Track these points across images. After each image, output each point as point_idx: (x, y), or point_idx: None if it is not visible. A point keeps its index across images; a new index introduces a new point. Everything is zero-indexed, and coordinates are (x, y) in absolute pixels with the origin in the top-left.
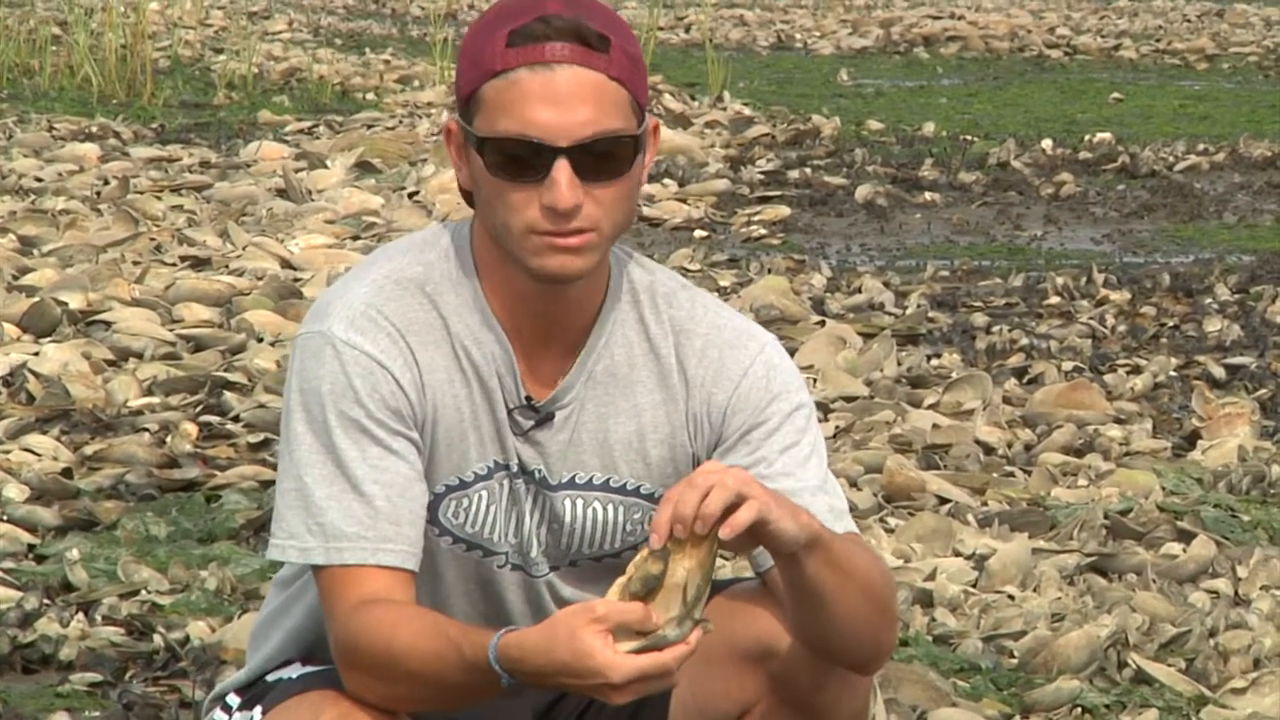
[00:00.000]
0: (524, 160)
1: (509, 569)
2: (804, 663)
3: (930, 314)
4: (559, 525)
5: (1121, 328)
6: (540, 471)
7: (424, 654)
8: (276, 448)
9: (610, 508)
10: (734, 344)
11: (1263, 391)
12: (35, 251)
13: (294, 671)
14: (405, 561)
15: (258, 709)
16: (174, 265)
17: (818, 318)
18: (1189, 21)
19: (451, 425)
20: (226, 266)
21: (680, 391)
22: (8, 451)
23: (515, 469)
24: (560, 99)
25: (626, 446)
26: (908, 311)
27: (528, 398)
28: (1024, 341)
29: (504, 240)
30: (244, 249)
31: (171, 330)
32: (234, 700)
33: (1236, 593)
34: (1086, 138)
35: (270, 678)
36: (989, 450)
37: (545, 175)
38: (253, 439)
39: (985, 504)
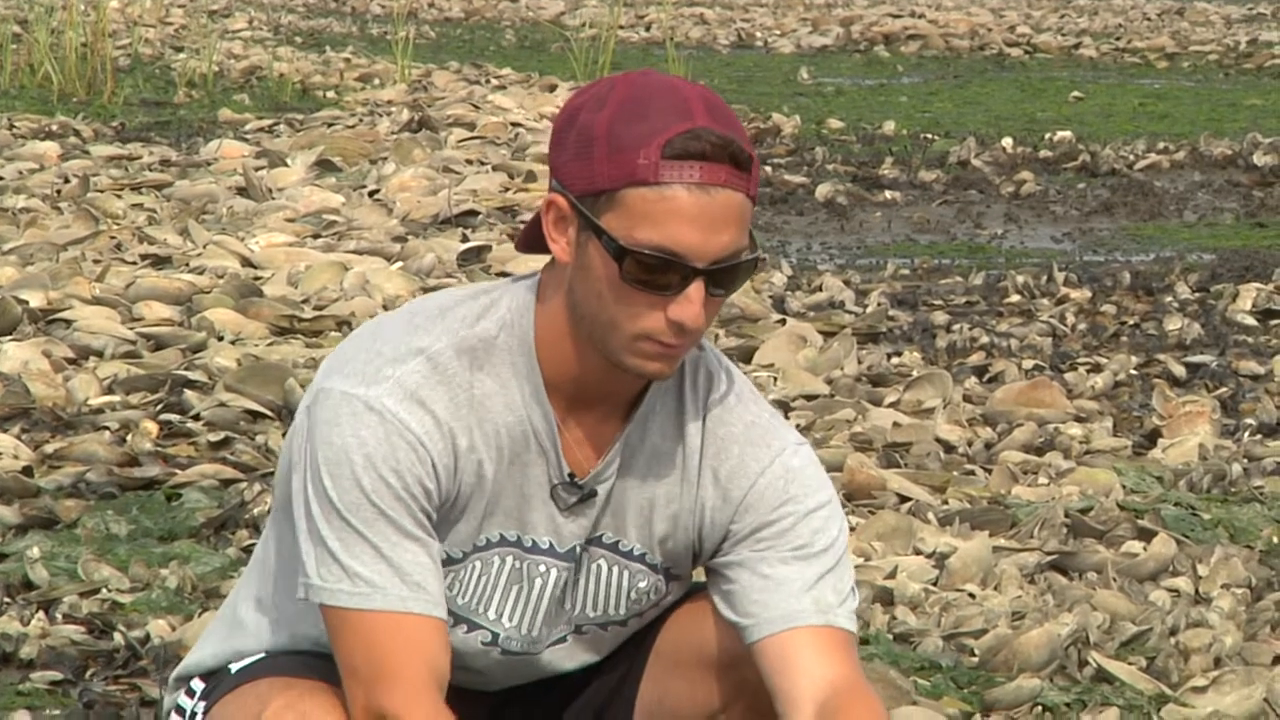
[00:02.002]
0: (662, 275)
1: (498, 652)
2: None
3: (891, 312)
4: (572, 585)
5: (1082, 326)
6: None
7: None
8: (237, 445)
9: (616, 569)
10: (757, 442)
11: (1223, 390)
12: None
13: (240, 663)
14: (434, 610)
15: (201, 707)
16: (134, 263)
17: (778, 316)
18: (1149, 20)
19: (475, 500)
20: (187, 265)
21: (694, 478)
22: None
23: (533, 545)
24: (712, 221)
25: (638, 513)
26: (868, 310)
27: (570, 475)
28: (984, 340)
29: (602, 333)
30: (204, 247)
31: (132, 328)
32: (198, 686)
33: (1197, 591)
34: (1047, 136)
35: (231, 667)
36: (949, 448)
37: (679, 291)
38: (213, 437)
39: (946, 502)
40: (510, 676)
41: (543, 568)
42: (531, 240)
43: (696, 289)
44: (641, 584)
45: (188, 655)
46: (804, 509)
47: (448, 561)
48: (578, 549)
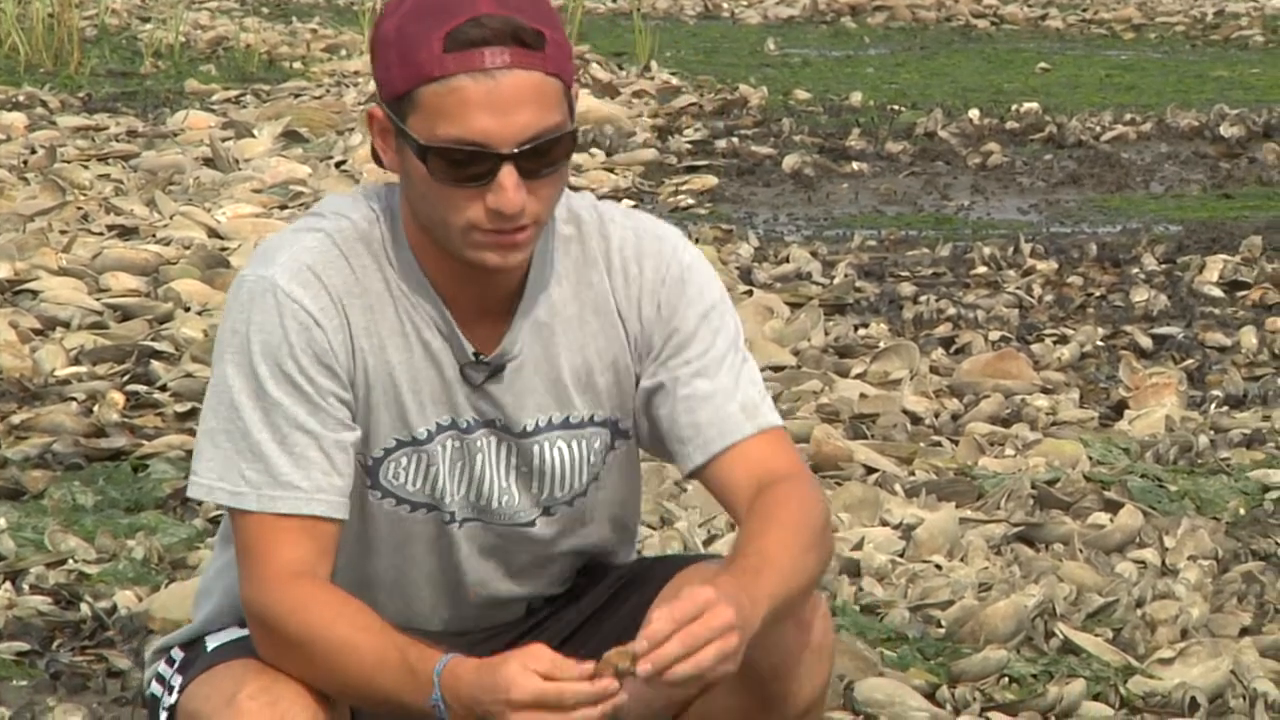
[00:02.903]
0: (468, 166)
1: (457, 525)
2: (764, 647)
3: (857, 284)
4: (529, 471)
5: (1048, 297)
6: (500, 420)
7: (363, 652)
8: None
9: (575, 443)
10: (648, 252)
11: (1189, 361)
12: None
13: (216, 641)
14: (336, 511)
15: (179, 679)
16: (101, 234)
17: (745, 287)
18: None
19: (388, 388)
20: (154, 235)
21: (616, 319)
22: None
23: (470, 425)
24: (503, 104)
25: (576, 380)
26: (835, 281)
27: (476, 354)
28: (951, 311)
29: (439, 233)
30: (171, 218)
31: (99, 299)
32: (177, 655)
33: (1164, 563)
34: (1013, 107)
35: (207, 640)
36: (916, 420)
37: (490, 180)
38: (180, 408)
39: (912, 474)
40: (485, 570)
41: (480, 442)
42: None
43: (507, 174)
44: (596, 444)
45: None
46: (703, 309)
47: (396, 448)
48: (502, 417)
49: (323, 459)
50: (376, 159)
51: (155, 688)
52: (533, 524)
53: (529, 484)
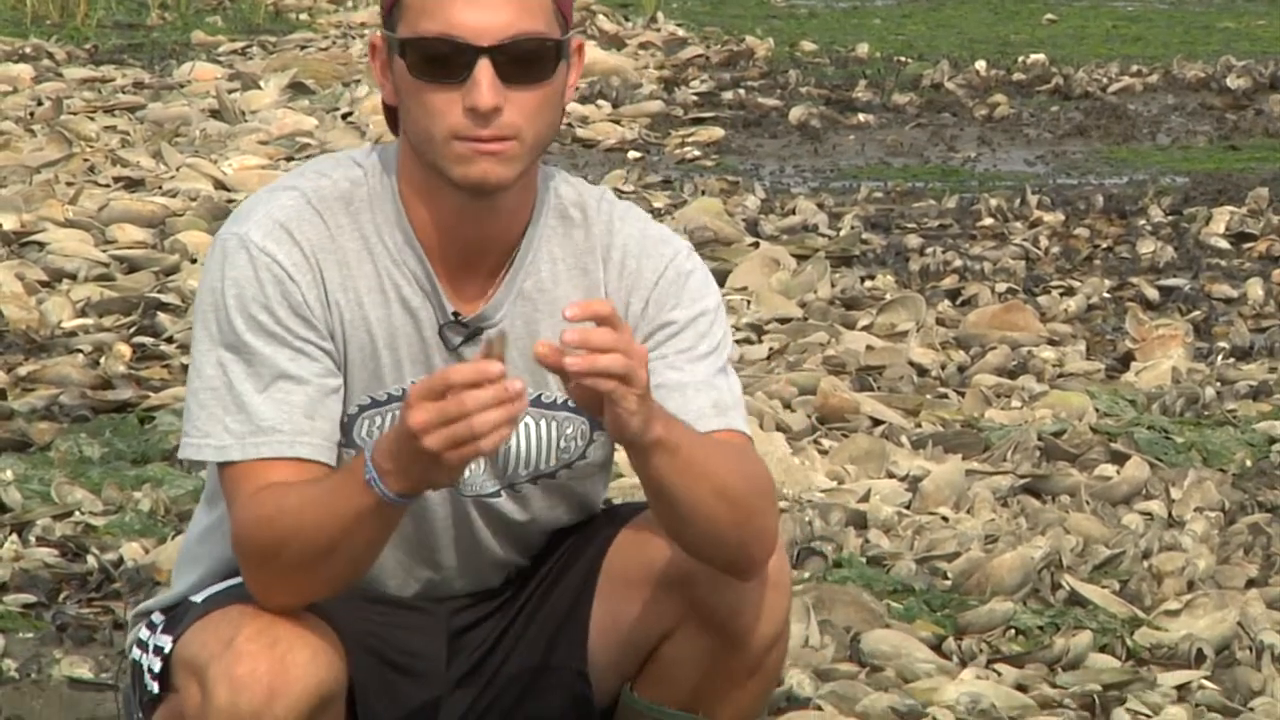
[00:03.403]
0: (445, 60)
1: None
2: (720, 587)
3: (864, 236)
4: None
5: (1055, 249)
6: None
7: (309, 499)
8: None
9: (543, 423)
10: (650, 253)
11: (1196, 313)
12: None
13: (205, 593)
14: (321, 454)
15: (168, 639)
16: (107, 186)
17: (751, 239)
18: None
19: (364, 344)
20: (160, 187)
21: None
22: None
23: None
24: (487, 2)
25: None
26: (841, 233)
27: (455, 314)
28: (957, 263)
29: (427, 150)
30: (177, 170)
31: (105, 251)
32: (158, 619)
33: (1170, 514)
34: (1020, 59)
35: (191, 597)
36: (922, 372)
37: (467, 76)
38: (186, 360)
39: (919, 425)
40: (448, 530)
41: None
42: (391, 113)
43: (482, 70)
44: (569, 430)
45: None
46: (692, 313)
47: (371, 406)
48: None
49: (306, 402)
50: (389, 113)
51: (136, 652)
52: (498, 496)
53: (494, 458)
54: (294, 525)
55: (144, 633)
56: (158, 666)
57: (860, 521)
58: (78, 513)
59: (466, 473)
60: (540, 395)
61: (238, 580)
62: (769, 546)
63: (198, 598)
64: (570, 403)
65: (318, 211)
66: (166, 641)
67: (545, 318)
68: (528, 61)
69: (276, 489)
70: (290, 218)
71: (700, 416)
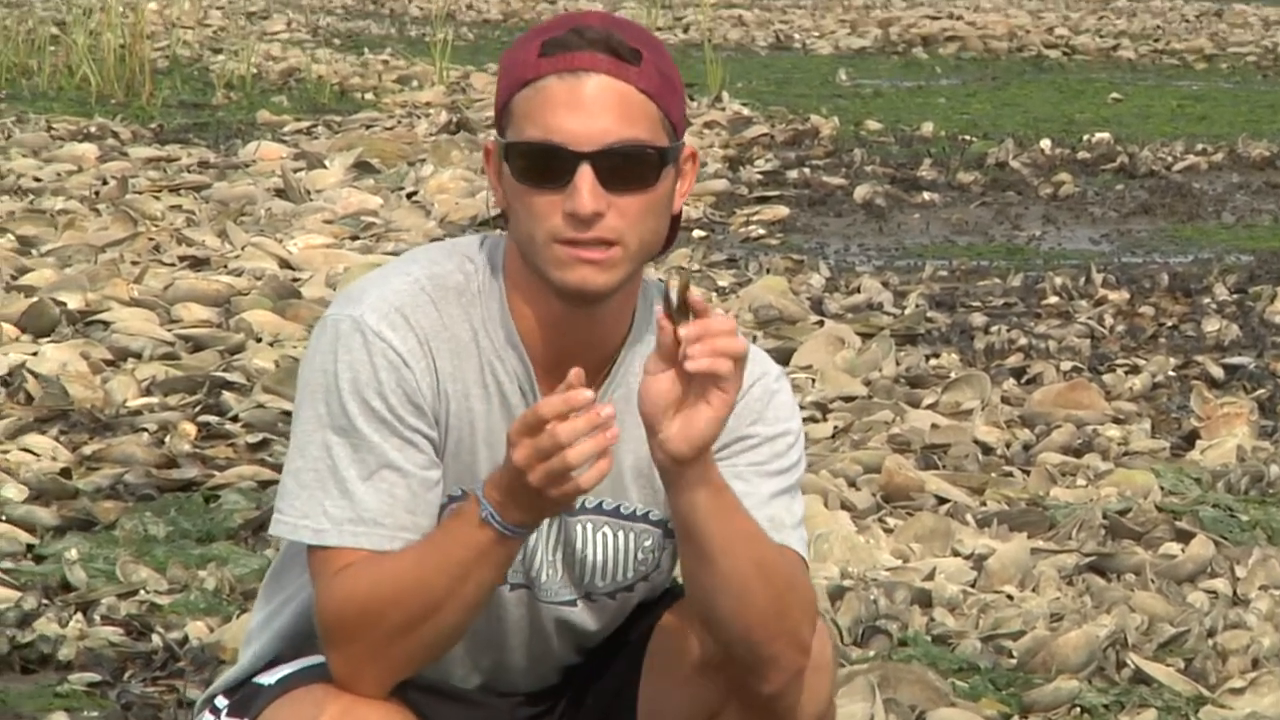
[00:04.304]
0: (548, 166)
1: (508, 588)
2: (763, 671)
3: (929, 314)
4: (572, 551)
5: (1120, 327)
6: None
7: (412, 559)
8: (276, 447)
9: (621, 534)
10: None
11: (1261, 391)
12: (34, 251)
13: (277, 674)
14: (384, 544)
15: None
16: (172, 265)
17: (816, 318)
18: (1187, 21)
19: (464, 437)
20: (225, 266)
21: None
22: (6, 451)
23: None
24: (586, 106)
25: (637, 473)
26: (906, 311)
27: None
28: (1022, 341)
29: (530, 253)
30: (242, 249)
31: (170, 330)
32: (222, 703)
33: (1235, 592)
34: (1085, 137)
35: (257, 679)
36: (988, 450)
37: (568, 181)
38: (251, 439)
39: (984, 504)
40: (521, 632)
41: None
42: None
43: (582, 176)
44: (647, 543)
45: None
46: (773, 431)
47: (461, 498)
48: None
49: (409, 497)
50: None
51: None
52: (574, 604)
53: (571, 564)
54: (395, 589)
55: (208, 718)
56: None
57: (925, 600)
58: (143, 591)
59: (544, 576)
60: (619, 506)
61: (312, 661)
62: (799, 659)
63: (269, 679)
64: (650, 515)
65: (432, 299)
66: None
67: (631, 427)
68: (629, 168)
69: (364, 564)
70: (405, 303)
71: None
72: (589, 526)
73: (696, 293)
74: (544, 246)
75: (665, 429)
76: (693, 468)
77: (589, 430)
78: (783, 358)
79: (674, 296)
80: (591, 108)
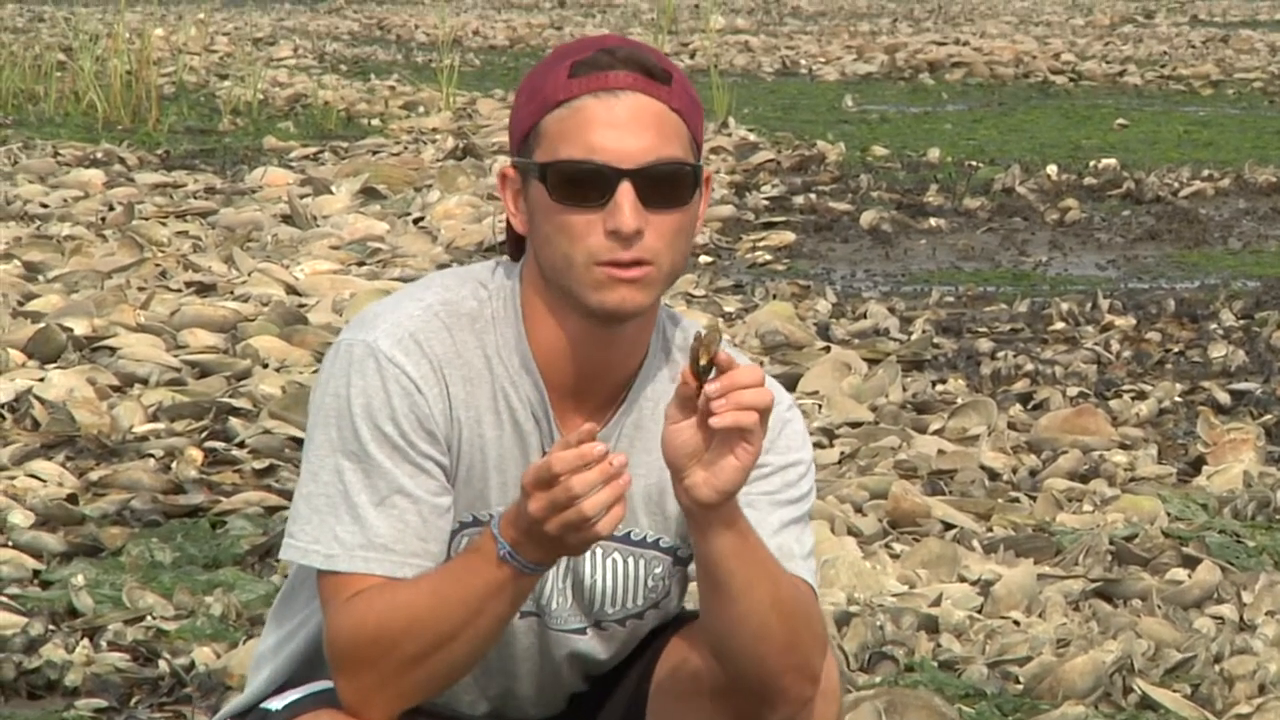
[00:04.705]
0: (588, 184)
1: (517, 616)
2: (772, 699)
3: (935, 340)
4: (581, 579)
5: (1126, 353)
6: None
7: (428, 589)
8: (283, 473)
9: (631, 560)
10: None
11: (1268, 417)
12: (40, 277)
13: (285, 700)
14: (396, 570)
15: None
16: (179, 291)
17: (823, 343)
18: (1194, 47)
19: (475, 463)
20: (231, 292)
21: None
22: (13, 477)
23: None
24: (624, 124)
25: (647, 499)
26: (913, 337)
27: None
28: (1029, 367)
29: (563, 275)
30: (249, 275)
31: (176, 356)
32: None
33: (1242, 618)
34: (1091, 163)
35: (265, 705)
36: (994, 476)
37: (609, 199)
38: (258, 465)
39: (990, 530)
40: (531, 660)
41: None
42: (514, 240)
43: (624, 193)
44: (657, 570)
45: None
46: (784, 461)
47: (472, 524)
48: None
49: (420, 523)
50: (511, 240)
51: None
52: (584, 632)
53: (580, 592)
54: (409, 619)
55: None
56: None
57: (932, 625)
58: (149, 617)
59: (554, 604)
60: (629, 533)
61: (320, 686)
62: (809, 690)
63: (277, 704)
64: (660, 542)
65: (445, 325)
66: None
67: (642, 453)
68: (668, 186)
69: (377, 591)
70: (419, 329)
71: None
72: (598, 553)
73: (724, 349)
74: (584, 269)
75: (691, 476)
76: (718, 511)
77: (602, 481)
78: (789, 383)
79: (702, 358)
80: (631, 125)
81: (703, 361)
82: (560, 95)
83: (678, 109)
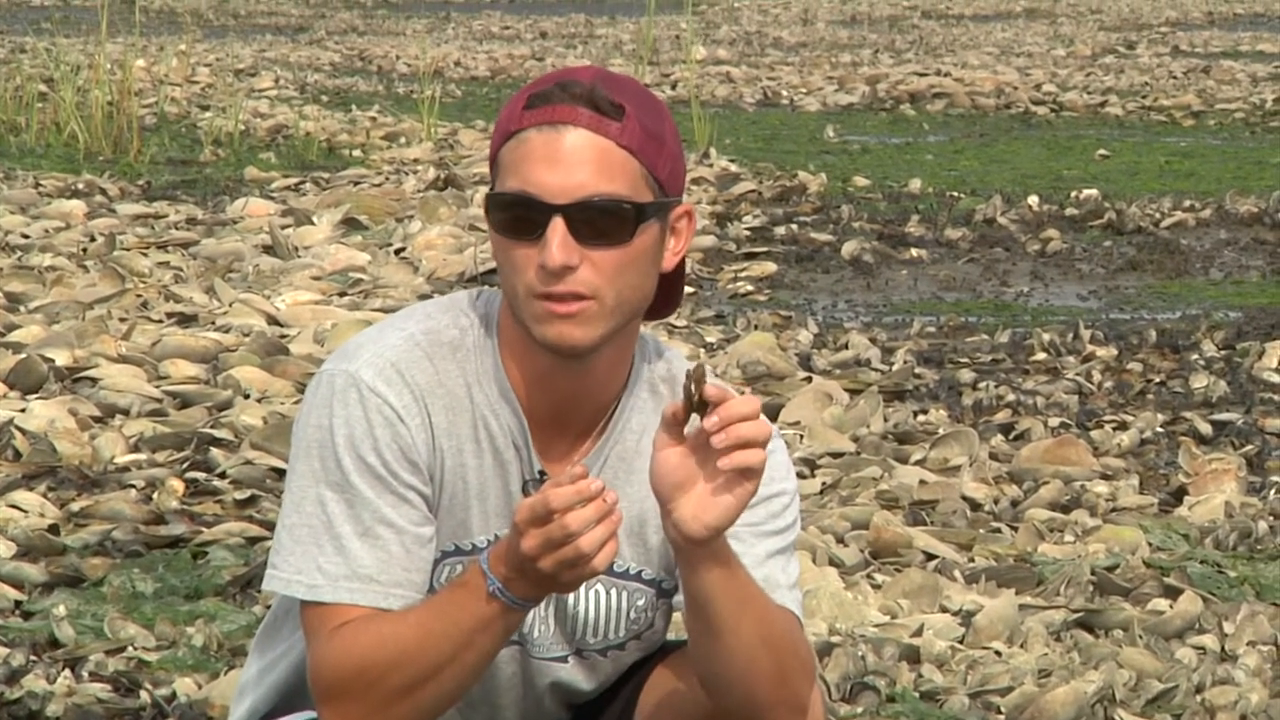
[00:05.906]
0: (523, 217)
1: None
2: None
3: (917, 370)
4: (564, 607)
5: (1108, 384)
6: None
7: (415, 622)
8: (264, 503)
9: (614, 592)
10: None
11: (1249, 448)
12: (21, 308)
13: None
14: (380, 601)
15: None
16: (160, 322)
17: (804, 374)
18: (1175, 78)
19: (457, 492)
20: (213, 323)
21: None
22: None
23: None
24: (562, 159)
25: (629, 531)
26: (894, 368)
27: (541, 472)
28: (1010, 397)
29: (515, 307)
30: (230, 305)
31: (158, 387)
32: None
33: (1223, 648)
34: (1073, 194)
35: None
36: (975, 506)
37: (541, 233)
38: (239, 495)
39: (972, 560)
40: (514, 690)
41: None
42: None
43: (554, 228)
44: (640, 602)
45: None
46: (769, 492)
47: (454, 553)
48: None
49: (403, 554)
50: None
51: None
52: (565, 660)
53: (563, 620)
54: (396, 652)
55: None
56: None
57: (913, 656)
58: (131, 648)
59: (536, 632)
60: (612, 565)
61: (302, 717)
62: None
63: None
64: (643, 574)
65: (427, 354)
66: None
67: (624, 485)
68: (602, 222)
69: (363, 623)
70: (401, 358)
71: None
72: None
73: (713, 384)
74: (525, 301)
75: (679, 509)
76: (707, 547)
77: (597, 518)
78: (771, 414)
79: (693, 392)
80: (568, 161)
81: (697, 398)
82: (513, 126)
83: (627, 145)
